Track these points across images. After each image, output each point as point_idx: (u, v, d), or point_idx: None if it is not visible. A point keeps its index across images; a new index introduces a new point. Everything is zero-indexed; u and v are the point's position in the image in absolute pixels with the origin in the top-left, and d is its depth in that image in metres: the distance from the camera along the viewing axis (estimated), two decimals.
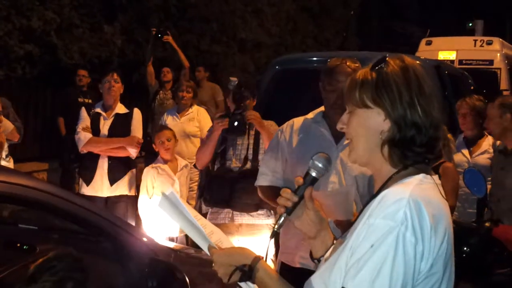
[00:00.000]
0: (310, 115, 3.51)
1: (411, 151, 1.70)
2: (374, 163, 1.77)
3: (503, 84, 11.33)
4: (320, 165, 1.88)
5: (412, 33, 21.47)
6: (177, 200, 1.94)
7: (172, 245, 3.90)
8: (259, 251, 1.88)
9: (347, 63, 3.31)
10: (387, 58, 1.76)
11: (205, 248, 1.88)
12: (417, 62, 1.82)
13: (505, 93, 11.07)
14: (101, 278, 3.17)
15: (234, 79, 4.46)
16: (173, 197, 1.95)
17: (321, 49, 17.36)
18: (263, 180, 3.56)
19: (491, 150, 5.29)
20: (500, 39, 12.49)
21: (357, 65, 3.31)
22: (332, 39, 18.93)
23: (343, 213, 3.08)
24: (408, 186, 1.63)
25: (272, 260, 4.05)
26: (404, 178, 1.68)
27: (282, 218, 1.87)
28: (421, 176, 1.68)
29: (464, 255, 3.72)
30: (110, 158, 5.72)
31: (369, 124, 1.73)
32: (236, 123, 4.34)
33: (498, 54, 11.80)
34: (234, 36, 14.87)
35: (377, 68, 1.74)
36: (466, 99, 5.53)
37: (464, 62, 11.80)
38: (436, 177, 1.74)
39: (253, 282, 1.80)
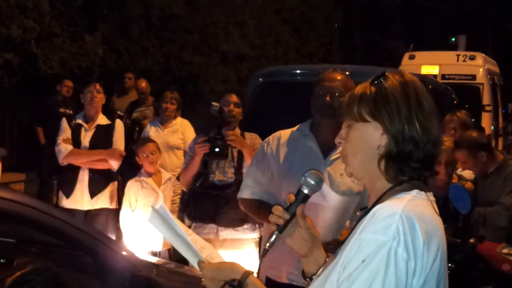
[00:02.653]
0: (297, 128, 3.47)
1: (408, 166, 1.70)
2: (369, 178, 1.77)
3: (486, 99, 11.42)
4: (312, 182, 1.88)
5: (396, 47, 21.64)
6: (167, 214, 1.92)
7: (154, 259, 3.83)
8: (243, 265, 1.85)
9: (336, 71, 3.40)
10: (386, 73, 1.77)
11: (195, 263, 1.87)
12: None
13: (487, 108, 11.15)
14: None
15: (216, 104, 4.48)
16: (163, 211, 1.93)
17: (303, 61, 17.40)
18: (246, 192, 3.52)
19: None
20: (483, 54, 12.62)
21: (347, 73, 3.40)
22: (315, 52, 18.99)
23: (336, 229, 3.07)
24: (401, 201, 1.62)
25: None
26: (398, 194, 1.68)
27: (274, 236, 1.87)
28: (414, 192, 1.68)
29: (448, 272, 3.69)
30: (91, 171, 5.65)
31: (366, 138, 1.74)
32: (217, 149, 4.37)
33: (481, 69, 11.90)
34: (216, 47, 14.85)
35: (376, 82, 1.75)
36: (456, 113, 5.54)
37: (447, 76, 11.88)
38: (430, 193, 1.73)
39: None
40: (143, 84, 9.44)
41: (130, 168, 5.95)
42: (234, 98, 4.61)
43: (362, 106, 1.73)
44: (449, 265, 3.70)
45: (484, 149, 4.71)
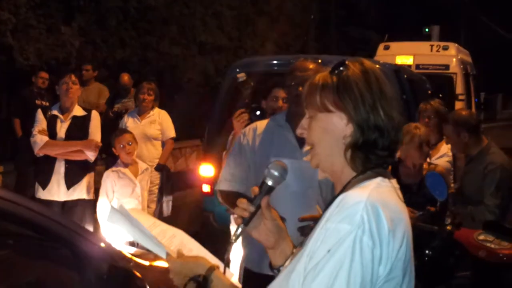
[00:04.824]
0: (273, 119, 3.48)
1: (374, 154, 1.69)
2: (335, 168, 1.75)
3: (459, 89, 11.51)
4: (276, 173, 1.85)
5: (370, 38, 21.69)
6: (127, 213, 1.91)
7: (132, 250, 3.82)
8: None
9: (308, 60, 3.40)
10: (346, 62, 1.74)
11: (163, 255, 1.86)
12: (376, 65, 1.80)
13: (460, 97, 11.26)
14: (57, 286, 3.08)
15: (241, 75, 4.32)
16: (123, 211, 1.92)
17: (281, 53, 17.36)
18: (223, 184, 3.50)
19: (450, 154, 5.35)
20: (456, 45, 12.72)
21: (319, 61, 3.40)
22: (292, 43, 18.98)
23: (305, 213, 3.06)
24: (366, 190, 1.61)
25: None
26: (362, 182, 1.67)
27: (240, 229, 1.84)
28: (379, 179, 1.67)
29: (426, 258, 3.73)
30: (67, 162, 5.62)
31: (331, 129, 1.71)
32: (258, 112, 4.26)
33: (454, 59, 12.00)
34: (194, 38, 14.78)
35: (336, 71, 1.73)
36: (430, 102, 5.59)
37: (421, 66, 11.96)
38: (394, 181, 1.73)
39: None
40: (125, 77, 9.39)
41: (114, 160, 5.92)
42: (282, 93, 4.50)
43: (325, 96, 1.71)
44: (427, 252, 3.77)
45: (468, 130, 4.72)
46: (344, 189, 1.68)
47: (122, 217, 1.90)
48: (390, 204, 1.61)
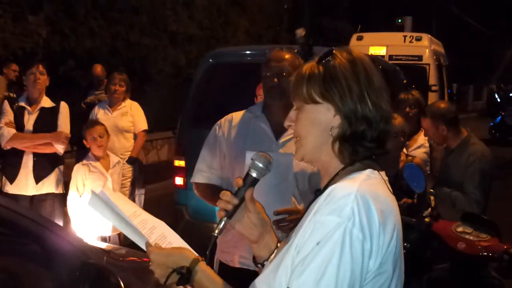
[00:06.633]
0: (249, 109, 3.41)
1: (362, 146, 1.66)
2: (322, 160, 1.71)
3: (432, 80, 11.59)
4: (260, 165, 1.81)
5: (343, 29, 21.79)
6: (108, 199, 1.85)
7: (104, 245, 3.72)
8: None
9: (283, 50, 3.31)
10: (334, 51, 1.71)
11: (142, 245, 1.81)
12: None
13: (433, 88, 11.32)
14: (27, 283, 2.98)
15: (299, 31, 4.07)
16: (104, 196, 1.86)
17: (253, 43, 17.32)
18: (199, 177, 3.44)
19: (427, 145, 5.34)
20: (429, 35, 12.79)
21: (295, 51, 3.33)
22: (265, 34, 18.94)
23: (281, 206, 3.00)
24: (356, 182, 1.58)
25: None
26: (351, 174, 1.63)
27: (223, 222, 1.80)
28: (368, 171, 1.64)
29: (404, 251, 3.70)
30: (35, 155, 5.51)
31: (318, 120, 1.68)
32: None
33: (427, 50, 12.06)
34: (165, 28, 14.63)
35: (324, 61, 1.69)
36: (412, 92, 5.55)
37: (394, 57, 12.00)
38: (383, 173, 1.69)
39: (192, 285, 1.73)
40: (98, 69, 9.20)
41: (85, 152, 5.80)
42: None
43: (312, 87, 1.67)
44: (405, 244, 3.72)
45: (446, 123, 4.70)
46: (332, 180, 1.65)
47: (103, 204, 1.84)
48: (380, 196, 1.58)
